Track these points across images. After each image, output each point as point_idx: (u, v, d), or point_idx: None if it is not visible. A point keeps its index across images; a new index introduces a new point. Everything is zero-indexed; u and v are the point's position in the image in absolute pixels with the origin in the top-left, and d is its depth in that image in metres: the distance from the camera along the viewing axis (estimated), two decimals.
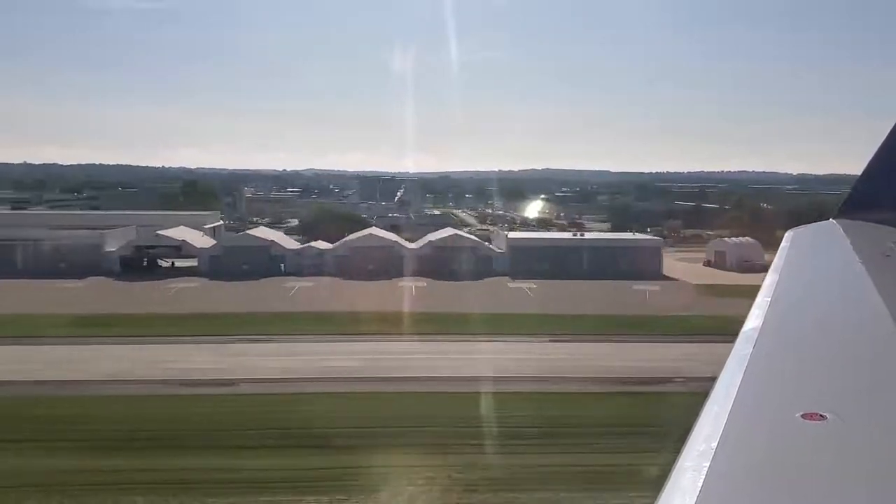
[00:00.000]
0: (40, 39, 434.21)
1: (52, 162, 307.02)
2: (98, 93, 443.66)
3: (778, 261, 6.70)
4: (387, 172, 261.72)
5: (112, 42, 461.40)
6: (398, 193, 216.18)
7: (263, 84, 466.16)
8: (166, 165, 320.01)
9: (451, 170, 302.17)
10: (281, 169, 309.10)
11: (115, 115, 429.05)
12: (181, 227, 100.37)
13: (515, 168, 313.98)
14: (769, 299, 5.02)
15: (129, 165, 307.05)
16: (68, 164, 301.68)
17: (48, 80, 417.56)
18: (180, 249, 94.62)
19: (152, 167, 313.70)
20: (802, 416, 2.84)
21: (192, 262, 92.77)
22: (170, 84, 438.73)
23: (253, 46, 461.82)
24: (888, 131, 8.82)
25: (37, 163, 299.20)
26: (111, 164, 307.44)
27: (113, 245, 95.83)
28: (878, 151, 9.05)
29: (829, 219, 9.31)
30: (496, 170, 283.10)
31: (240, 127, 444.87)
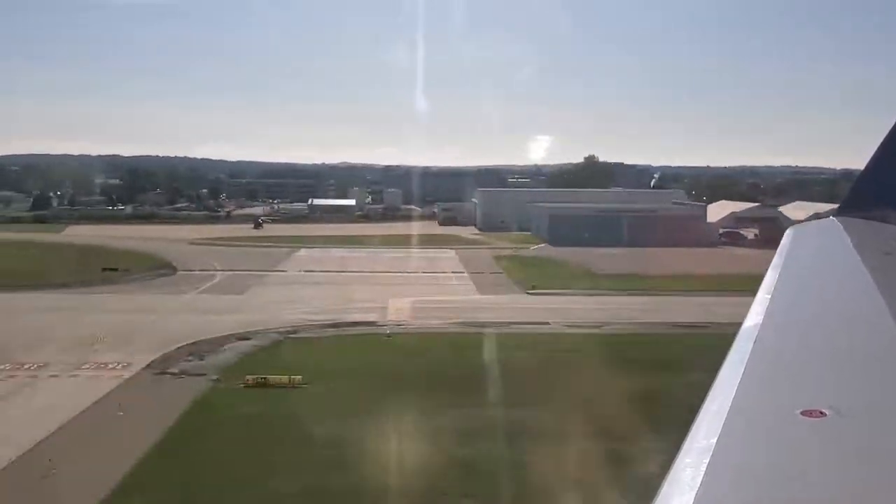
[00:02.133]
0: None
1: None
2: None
3: (778, 258, 6.70)
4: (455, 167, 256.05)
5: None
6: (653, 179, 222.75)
7: (284, 81, 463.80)
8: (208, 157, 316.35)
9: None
10: (319, 162, 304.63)
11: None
12: (796, 202, 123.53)
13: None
14: (769, 297, 5.03)
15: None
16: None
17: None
18: (777, 221, 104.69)
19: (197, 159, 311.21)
20: (802, 413, 2.85)
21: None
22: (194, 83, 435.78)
23: (272, 47, 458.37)
24: (889, 128, 8.80)
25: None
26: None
27: (713, 218, 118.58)
28: (879, 148, 9.03)
29: (829, 216, 9.31)
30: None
31: (269, 123, 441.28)
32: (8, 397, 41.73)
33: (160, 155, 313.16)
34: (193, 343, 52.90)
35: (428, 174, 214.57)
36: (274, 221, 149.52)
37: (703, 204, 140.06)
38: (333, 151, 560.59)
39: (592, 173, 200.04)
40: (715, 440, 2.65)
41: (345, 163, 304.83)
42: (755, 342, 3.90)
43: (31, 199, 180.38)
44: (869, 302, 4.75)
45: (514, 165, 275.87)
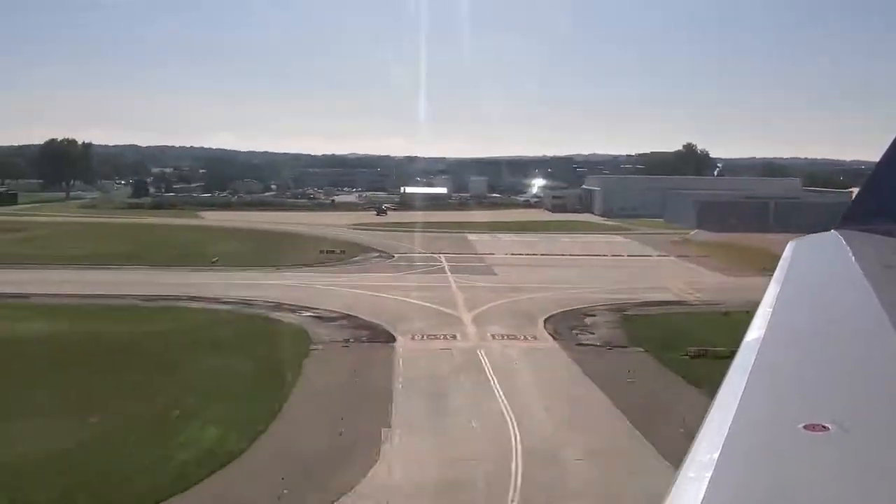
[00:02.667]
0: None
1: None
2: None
3: (779, 272, 6.69)
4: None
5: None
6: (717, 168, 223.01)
7: (281, 70, 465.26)
8: (204, 146, 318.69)
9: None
10: (329, 153, 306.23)
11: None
12: None
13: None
14: (771, 310, 5.02)
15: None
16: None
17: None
18: None
19: (196, 147, 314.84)
20: (804, 427, 2.84)
21: None
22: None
23: (270, 40, 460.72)
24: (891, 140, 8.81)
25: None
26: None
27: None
28: (880, 161, 9.04)
29: (830, 229, 9.30)
30: None
31: (270, 113, 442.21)
32: None
33: (175, 145, 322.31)
34: (551, 316, 52.88)
35: (485, 163, 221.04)
36: (390, 210, 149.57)
37: (848, 191, 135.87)
38: (342, 142, 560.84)
39: (687, 162, 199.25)
40: (717, 455, 2.65)
41: (353, 154, 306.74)
42: (757, 356, 3.90)
43: (132, 187, 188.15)
44: (871, 315, 4.75)
45: (544, 156, 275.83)
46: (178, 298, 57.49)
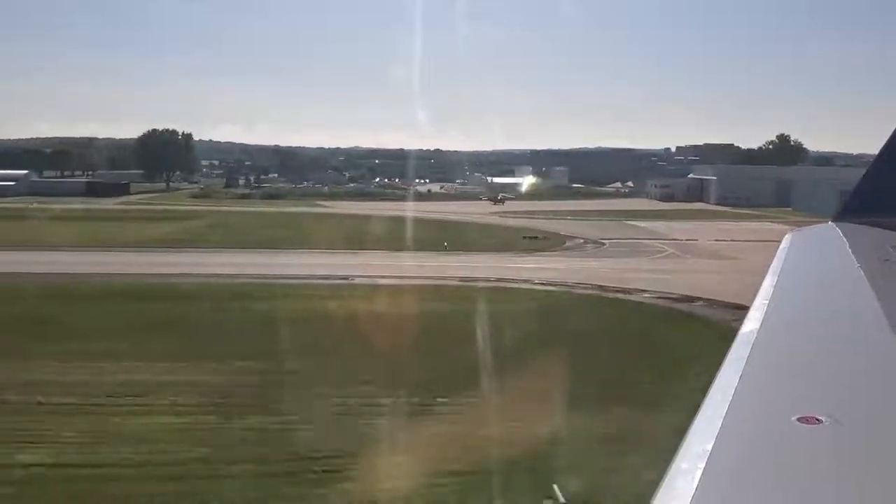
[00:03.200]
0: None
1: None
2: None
3: (776, 263, 6.69)
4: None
5: None
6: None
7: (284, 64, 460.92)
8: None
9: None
10: (334, 146, 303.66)
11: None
12: None
13: None
14: (766, 302, 5.02)
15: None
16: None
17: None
18: None
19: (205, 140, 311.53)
20: (798, 419, 2.84)
21: None
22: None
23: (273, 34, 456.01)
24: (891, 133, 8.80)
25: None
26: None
27: None
28: (879, 154, 9.04)
29: (828, 222, 9.31)
30: None
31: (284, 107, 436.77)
32: None
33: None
34: None
35: (541, 154, 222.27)
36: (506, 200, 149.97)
37: None
38: (345, 135, 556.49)
39: (781, 153, 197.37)
40: (711, 446, 2.65)
41: (356, 147, 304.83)
42: (752, 347, 3.90)
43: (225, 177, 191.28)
44: (866, 308, 4.75)
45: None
46: (500, 280, 57.22)
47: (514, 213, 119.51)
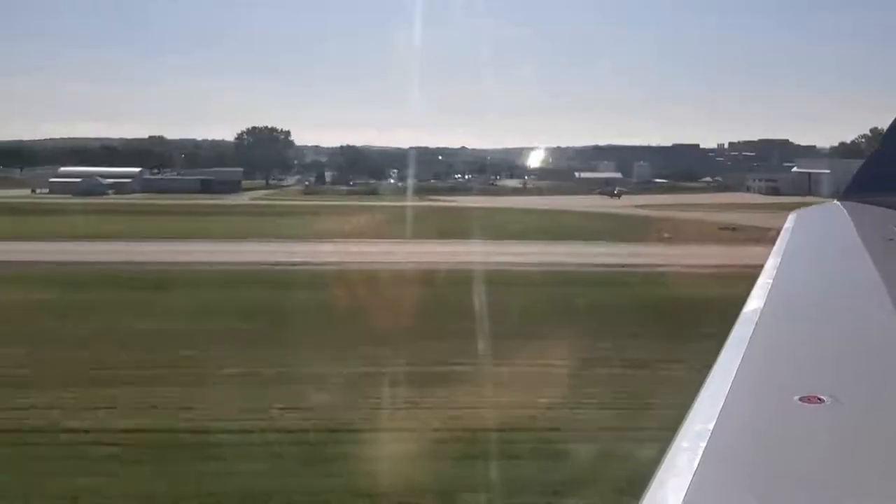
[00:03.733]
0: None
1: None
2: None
3: (780, 242, 6.67)
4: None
5: None
6: None
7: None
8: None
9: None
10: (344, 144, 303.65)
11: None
12: None
13: None
14: (770, 281, 5.00)
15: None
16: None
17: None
18: None
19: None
20: (800, 399, 2.83)
21: None
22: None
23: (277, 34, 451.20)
24: None
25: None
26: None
27: None
28: (886, 133, 8.99)
29: (833, 200, 9.28)
30: None
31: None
32: None
33: (172, 137, 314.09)
34: None
35: (601, 150, 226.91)
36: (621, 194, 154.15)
37: None
38: (355, 133, 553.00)
39: (869, 147, 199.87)
40: (712, 425, 2.64)
41: (367, 146, 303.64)
42: (755, 327, 3.89)
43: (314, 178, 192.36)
44: (870, 288, 4.73)
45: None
46: None
47: (645, 206, 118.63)
